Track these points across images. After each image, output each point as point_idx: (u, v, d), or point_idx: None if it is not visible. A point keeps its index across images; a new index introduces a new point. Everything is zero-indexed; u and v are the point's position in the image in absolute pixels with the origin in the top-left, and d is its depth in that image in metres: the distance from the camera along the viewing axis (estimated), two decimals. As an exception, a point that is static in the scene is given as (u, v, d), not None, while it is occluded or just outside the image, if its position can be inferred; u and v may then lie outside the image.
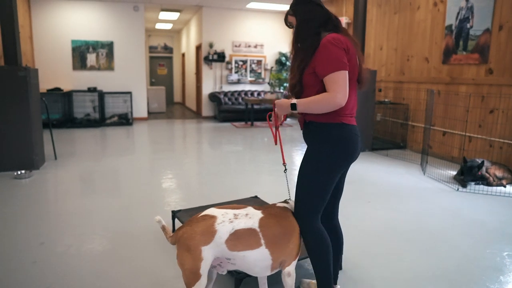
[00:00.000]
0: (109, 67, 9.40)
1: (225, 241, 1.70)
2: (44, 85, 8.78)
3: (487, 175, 4.36)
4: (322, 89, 1.71)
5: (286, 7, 9.48)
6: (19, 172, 4.48)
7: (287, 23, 1.92)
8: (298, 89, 1.81)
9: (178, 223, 3.03)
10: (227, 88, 10.50)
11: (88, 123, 8.91)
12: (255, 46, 10.52)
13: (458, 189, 4.17)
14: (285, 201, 2.00)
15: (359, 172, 4.86)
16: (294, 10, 1.85)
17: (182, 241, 1.69)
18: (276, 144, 2.04)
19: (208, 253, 1.68)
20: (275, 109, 1.94)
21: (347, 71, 1.67)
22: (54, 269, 2.38)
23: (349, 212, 3.45)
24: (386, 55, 6.99)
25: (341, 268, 2.38)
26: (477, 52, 5.09)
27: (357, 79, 1.81)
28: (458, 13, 5.37)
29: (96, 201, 3.68)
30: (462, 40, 5.32)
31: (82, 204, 3.58)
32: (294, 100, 1.76)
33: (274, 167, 5.12)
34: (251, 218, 1.78)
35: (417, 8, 6.17)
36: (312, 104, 1.71)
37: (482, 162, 4.29)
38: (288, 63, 10.48)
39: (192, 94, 12.48)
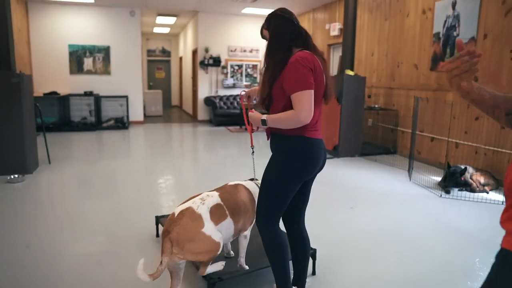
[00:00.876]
0: (106, 71, 9.50)
1: (210, 219, 1.99)
2: (41, 89, 8.88)
3: (471, 181, 4.44)
4: (290, 103, 1.80)
5: (281, 13, 9.56)
6: (12, 177, 4.57)
7: (262, 36, 2.01)
8: (268, 102, 1.90)
9: (162, 228, 3.11)
10: (222, 92, 10.60)
11: (84, 126, 9.00)
12: (251, 51, 10.62)
13: (441, 196, 4.25)
14: (251, 179, 2.36)
15: (345, 178, 4.94)
16: (268, 24, 1.94)
17: (181, 239, 1.87)
18: (247, 127, 2.16)
19: (210, 231, 1.94)
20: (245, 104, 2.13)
21: (312, 90, 1.75)
22: (39, 272, 2.46)
23: (330, 218, 3.53)
24: (377, 61, 7.08)
25: (314, 274, 2.46)
26: (463, 59, 5.17)
27: (323, 95, 1.89)
28: (445, 21, 5.46)
29: (87, 205, 3.76)
30: (449, 47, 5.41)
31: (72, 208, 3.67)
32: (264, 116, 1.88)
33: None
34: (213, 197, 2.11)
35: (406, 15, 6.26)
36: (279, 120, 1.82)
37: (465, 168, 4.37)
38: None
39: (188, 97, 12.59)
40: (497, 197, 4.24)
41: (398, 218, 3.55)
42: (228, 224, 2.08)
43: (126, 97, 9.53)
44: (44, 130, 5.76)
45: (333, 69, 8.55)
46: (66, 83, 9.24)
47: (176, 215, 1.96)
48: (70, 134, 8.34)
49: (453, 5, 5.28)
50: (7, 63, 4.73)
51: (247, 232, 2.24)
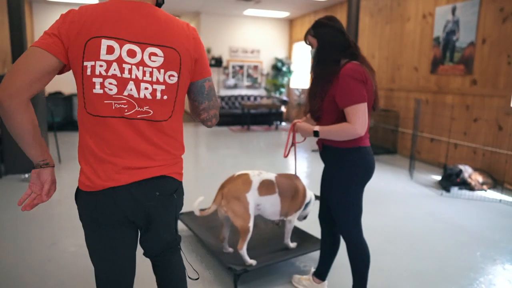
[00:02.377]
0: (109, 71, 9.60)
1: (257, 188, 2.38)
2: (46, 88, 8.98)
3: (470, 180, 4.64)
4: (341, 115, 1.83)
5: (282, 14, 9.75)
6: (26, 175, 4.70)
7: (307, 42, 1.97)
8: (319, 115, 1.92)
9: (181, 222, 3.27)
10: (224, 92, 10.75)
11: (88, 126, 9.10)
12: (252, 52, 10.78)
13: (441, 194, 4.44)
14: None
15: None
16: (316, 32, 1.89)
17: (229, 195, 2.32)
18: (285, 156, 2.26)
19: (250, 198, 2.34)
20: (294, 128, 2.09)
21: (366, 103, 1.76)
22: (66, 268, 2.62)
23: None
24: (378, 63, 7.28)
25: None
26: (462, 63, 5.38)
27: (372, 105, 1.90)
28: (445, 26, 5.66)
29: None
30: (449, 52, 5.61)
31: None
32: (316, 128, 1.87)
33: (270, 171, 5.37)
34: (268, 174, 2.51)
35: (407, 20, 6.46)
36: (333, 133, 1.82)
37: (460, 171, 4.60)
38: (284, 68, 10.75)
39: (189, 97, 12.71)
40: (495, 195, 4.45)
41: (401, 215, 3.74)
42: (274, 200, 2.43)
43: (129, 97, 9.64)
44: (55, 130, 5.89)
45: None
46: (70, 83, 9.34)
47: (235, 176, 2.42)
48: (74, 133, 8.45)
49: (453, 11, 5.48)
50: (22, 65, 4.86)
51: (292, 218, 2.57)
